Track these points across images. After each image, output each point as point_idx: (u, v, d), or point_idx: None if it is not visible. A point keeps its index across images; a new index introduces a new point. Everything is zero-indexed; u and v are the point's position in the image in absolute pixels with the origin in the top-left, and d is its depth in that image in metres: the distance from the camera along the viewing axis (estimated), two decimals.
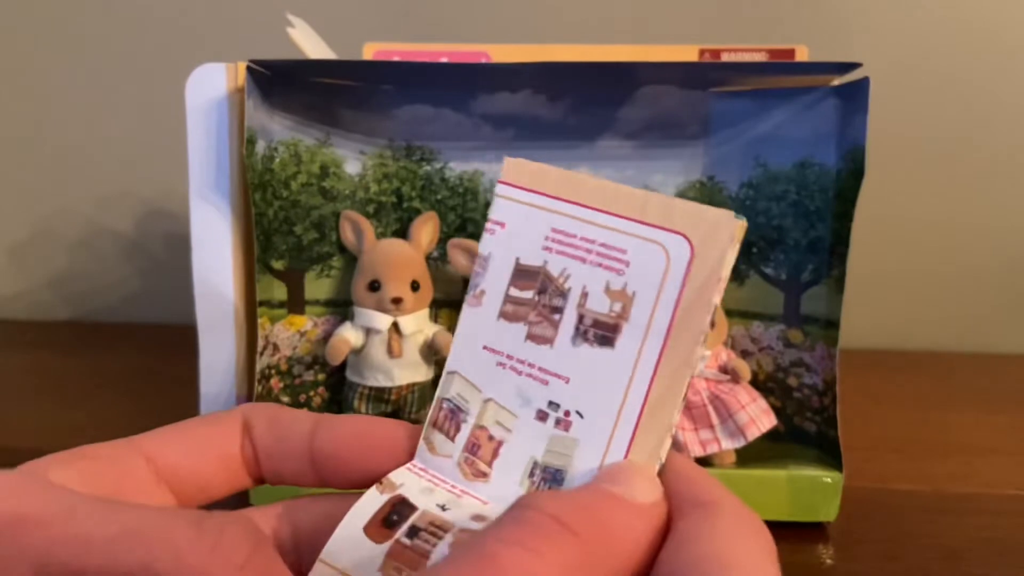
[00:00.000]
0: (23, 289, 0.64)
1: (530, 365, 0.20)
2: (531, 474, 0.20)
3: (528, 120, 0.36)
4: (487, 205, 0.37)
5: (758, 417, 0.33)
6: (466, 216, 0.37)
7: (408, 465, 0.22)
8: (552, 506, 0.15)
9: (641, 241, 0.19)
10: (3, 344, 0.58)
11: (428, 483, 0.21)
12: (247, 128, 0.32)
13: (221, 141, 0.33)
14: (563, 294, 0.20)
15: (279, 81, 0.33)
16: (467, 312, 0.22)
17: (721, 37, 0.42)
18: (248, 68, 0.31)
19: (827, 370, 0.33)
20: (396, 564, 0.18)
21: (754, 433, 0.33)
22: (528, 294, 0.21)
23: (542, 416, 0.20)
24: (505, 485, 0.20)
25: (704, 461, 0.33)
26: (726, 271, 0.18)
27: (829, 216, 0.34)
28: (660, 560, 0.16)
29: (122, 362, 0.52)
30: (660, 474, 0.18)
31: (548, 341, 0.20)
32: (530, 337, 0.21)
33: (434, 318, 0.37)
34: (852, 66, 0.31)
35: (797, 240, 0.35)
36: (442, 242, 0.37)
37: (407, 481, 0.21)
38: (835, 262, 0.33)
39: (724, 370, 0.34)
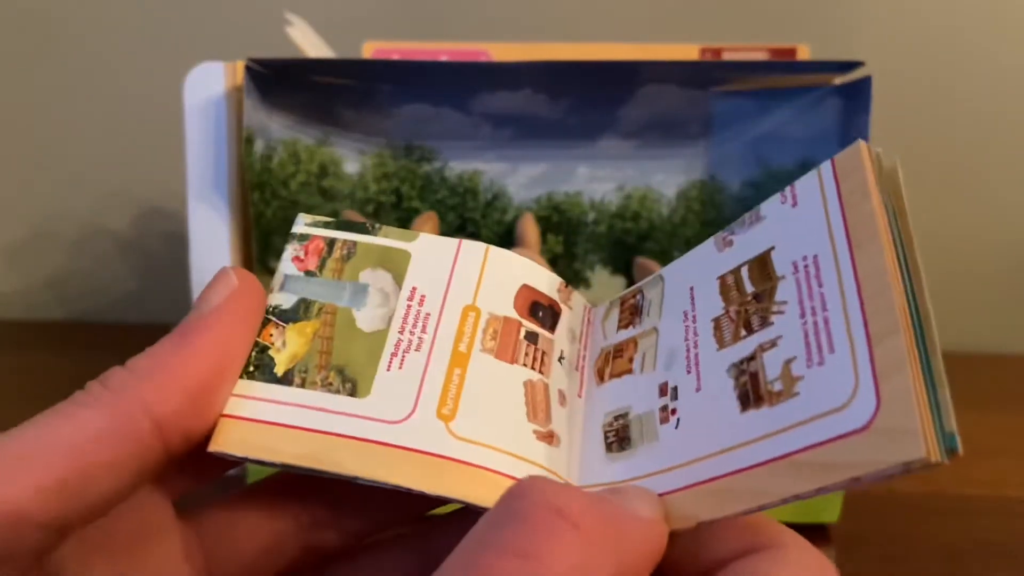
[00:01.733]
0: (19, 289, 0.64)
1: (695, 344, 0.17)
2: (617, 418, 0.18)
3: (528, 119, 0.36)
4: (487, 205, 0.36)
5: None
6: (466, 216, 0.37)
7: (591, 309, 0.21)
8: (555, 498, 0.14)
9: (849, 355, 0.14)
10: None
11: (578, 333, 0.20)
12: (245, 127, 0.31)
13: (219, 140, 0.32)
14: (764, 322, 0.16)
15: (278, 80, 0.33)
16: (708, 246, 0.19)
17: (722, 36, 0.42)
18: (247, 67, 0.31)
19: None
20: (496, 330, 0.18)
21: None
22: (749, 287, 0.17)
23: (663, 390, 0.17)
24: (598, 408, 0.18)
25: None
26: (863, 480, 0.13)
27: None
28: None
29: (119, 362, 0.52)
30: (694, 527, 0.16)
31: (721, 342, 0.17)
32: (716, 323, 0.17)
33: None
34: (854, 65, 0.31)
35: None
36: None
37: (569, 318, 0.20)
38: None
39: None
